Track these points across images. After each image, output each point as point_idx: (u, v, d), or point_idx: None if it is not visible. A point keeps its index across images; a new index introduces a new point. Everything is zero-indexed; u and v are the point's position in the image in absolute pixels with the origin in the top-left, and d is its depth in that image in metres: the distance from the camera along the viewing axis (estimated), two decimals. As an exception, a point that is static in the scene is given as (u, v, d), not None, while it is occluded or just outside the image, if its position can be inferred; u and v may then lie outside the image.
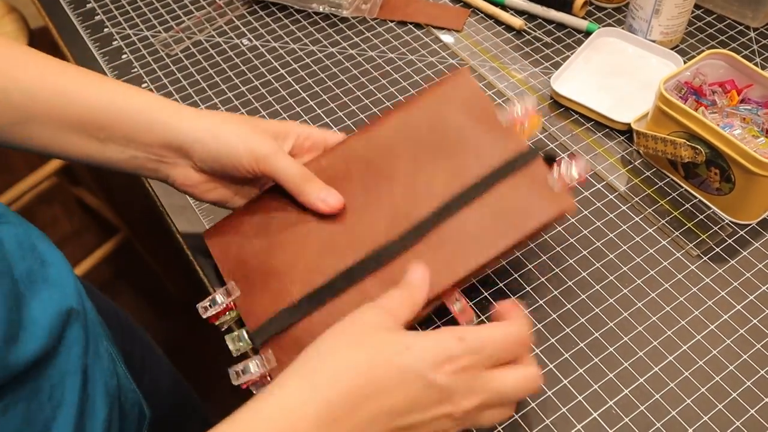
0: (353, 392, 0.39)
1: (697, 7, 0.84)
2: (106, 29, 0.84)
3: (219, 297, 0.53)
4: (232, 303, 0.54)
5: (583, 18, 0.82)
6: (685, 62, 0.76)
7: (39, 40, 1.37)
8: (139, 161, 0.53)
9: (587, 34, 0.80)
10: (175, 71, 0.78)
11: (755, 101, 0.68)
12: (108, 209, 1.53)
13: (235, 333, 0.52)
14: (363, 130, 0.57)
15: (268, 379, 0.50)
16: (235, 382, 0.49)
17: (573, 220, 0.64)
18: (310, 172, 0.54)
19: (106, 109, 0.51)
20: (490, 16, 0.84)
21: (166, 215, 0.67)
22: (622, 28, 0.80)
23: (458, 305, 0.51)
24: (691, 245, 0.63)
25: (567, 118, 0.73)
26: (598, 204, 0.65)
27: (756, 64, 0.78)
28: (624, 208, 0.65)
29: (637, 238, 0.63)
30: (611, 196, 0.66)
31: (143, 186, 0.70)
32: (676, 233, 0.63)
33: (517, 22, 0.81)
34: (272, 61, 0.79)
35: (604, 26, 0.80)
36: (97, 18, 0.86)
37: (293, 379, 0.41)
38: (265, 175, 0.53)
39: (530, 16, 0.83)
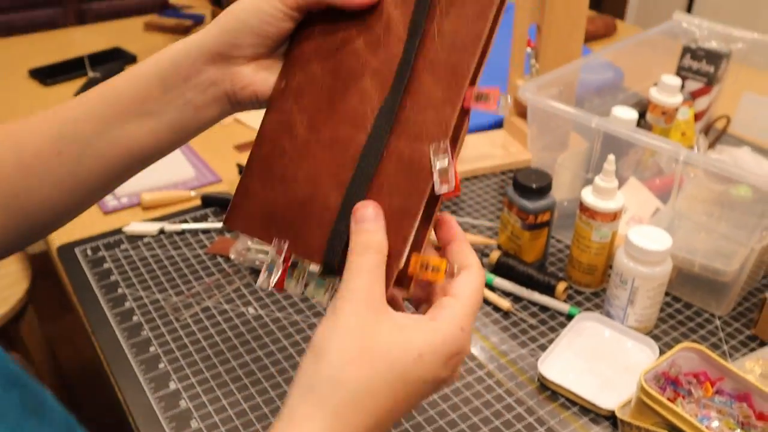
0: (373, 415, 0.43)
1: (666, 293, 0.92)
2: (120, 289, 0.90)
3: (271, 258, 0.50)
4: (286, 256, 0.50)
5: (565, 301, 0.89)
6: (660, 348, 0.82)
7: (39, 266, 1.42)
8: (195, 101, 0.54)
9: (569, 316, 0.87)
10: (183, 336, 0.83)
11: (728, 393, 0.73)
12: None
13: (300, 282, 0.50)
14: None
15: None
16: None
17: None
18: None
19: (130, 87, 0.54)
20: (479, 295, 0.91)
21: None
22: (601, 313, 0.87)
23: (440, 163, 0.47)
24: None
25: (554, 401, 0.77)
26: (589, 493, 0.67)
27: (723, 352, 0.85)
28: (614, 498, 0.67)
29: None
30: (601, 485, 0.68)
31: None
32: None
33: (504, 304, 0.88)
34: (275, 331, 0.84)
35: (584, 310, 0.88)
36: (112, 278, 0.92)
37: (308, 410, 0.42)
38: None
39: (516, 298, 0.91)
